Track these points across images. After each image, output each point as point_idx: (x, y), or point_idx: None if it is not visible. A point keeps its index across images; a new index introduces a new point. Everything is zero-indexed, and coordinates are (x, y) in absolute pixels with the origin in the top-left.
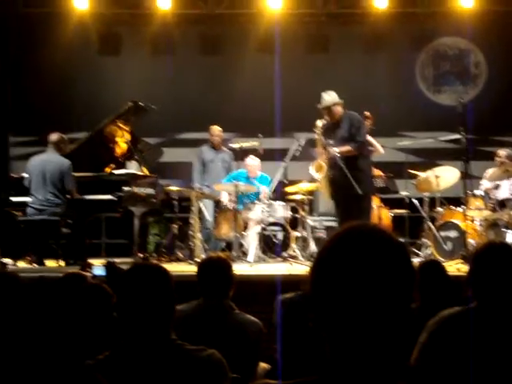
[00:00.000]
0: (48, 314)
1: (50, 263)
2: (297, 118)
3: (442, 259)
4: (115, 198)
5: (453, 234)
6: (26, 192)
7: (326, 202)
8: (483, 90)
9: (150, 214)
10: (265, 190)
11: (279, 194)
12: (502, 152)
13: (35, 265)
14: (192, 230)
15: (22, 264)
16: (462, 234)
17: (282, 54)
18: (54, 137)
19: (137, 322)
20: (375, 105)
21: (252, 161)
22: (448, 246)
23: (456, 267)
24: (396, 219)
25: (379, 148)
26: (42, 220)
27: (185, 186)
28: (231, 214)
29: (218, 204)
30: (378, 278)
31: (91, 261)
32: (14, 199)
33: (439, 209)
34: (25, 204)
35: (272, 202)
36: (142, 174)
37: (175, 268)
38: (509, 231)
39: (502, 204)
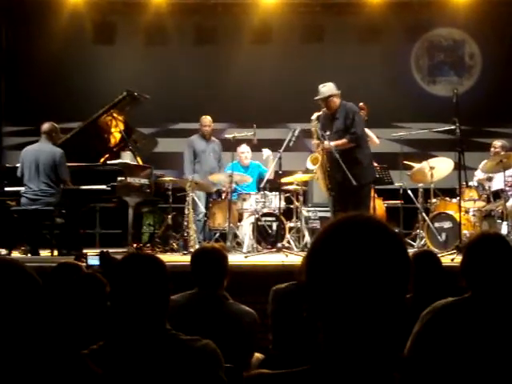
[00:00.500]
0: (42, 304)
1: (44, 253)
2: (291, 109)
3: (436, 250)
4: (109, 188)
5: (447, 224)
6: (19, 182)
7: (320, 193)
8: (478, 81)
9: (144, 204)
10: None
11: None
12: (497, 143)
13: (29, 255)
14: (186, 220)
15: (15, 254)
16: (456, 224)
17: (276, 45)
18: (46, 126)
19: (131, 312)
20: (370, 95)
21: (244, 148)
22: (442, 237)
23: (450, 258)
24: (390, 210)
25: (375, 139)
26: (36, 210)
27: (179, 176)
28: (225, 204)
29: (210, 195)
30: (374, 268)
31: (86, 251)
32: (7, 189)
33: (434, 200)
34: (18, 194)
35: (266, 192)
36: (136, 164)
37: (169, 258)
38: (503, 222)
39: (496, 195)
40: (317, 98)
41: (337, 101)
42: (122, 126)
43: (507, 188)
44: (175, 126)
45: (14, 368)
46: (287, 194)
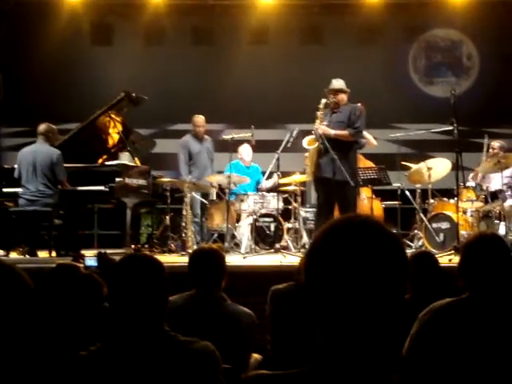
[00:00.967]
0: (40, 305)
1: (42, 254)
2: (289, 110)
3: (434, 250)
4: (107, 189)
5: (445, 225)
6: (17, 183)
7: None
8: (475, 82)
9: (142, 205)
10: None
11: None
12: (495, 144)
13: (27, 256)
14: (184, 221)
15: (14, 255)
16: (454, 225)
17: (274, 46)
18: (42, 127)
19: (129, 314)
20: (368, 96)
21: (246, 147)
22: (440, 238)
23: (448, 258)
24: (388, 211)
25: (372, 140)
26: (34, 211)
27: (177, 177)
28: (223, 205)
29: (206, 197)
30: (372, 268)
31: (83, 252)
32: (5, 190)
33: (431, 200)
34: (16, 195)
35: (264, 193)
36: (134, 164)
37: (167, 259)
38: (501, 223)
39: (494, 195)
40: (331, 87)
41: (345, 98)
42: (120, 127)
43: (505, 188)
44: (173, 127)
45: (7, 370)
46: (285, 195)
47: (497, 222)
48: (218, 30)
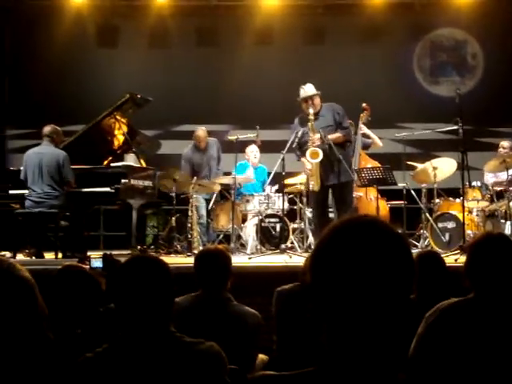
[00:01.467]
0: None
1: (48, 256)
2: (294, 110)
3: (440, 250)
4: (113, 191)
5: (450, 225)
6: (23, 185)
7: None
8: (480, 81)
9: (147, 207)
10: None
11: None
12: (505, 143)
13: (34, 257)
14: (190, 222)
15: (20, 257)
16: (460, 225)
17: (278, 46)
18: (47, 129)
19: (135, 315)
20: (372, 96)
21: (254, 147)
22: (446, 237)
23: (454, 258)
24: (394, 210)
25: (377, 141)
26: (40, 212)
27: None
28: (229, 206)
29: (208, 201)
30: (377, 268)
31: (89, 253)
32: (11, 192)
33: (437, 200)
34: (23, 197)
35: (270, 193)
36: (139, 166)
37: (173, 260)
38: (506, 222)
39: (500, 195)
40: (304, 95)
41: (319, 101)
42: (125, 129)
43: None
44: (179, 128)
45: (15, 371)
46: (291, 196)
47: (502, 221)
48: (222, 31)
